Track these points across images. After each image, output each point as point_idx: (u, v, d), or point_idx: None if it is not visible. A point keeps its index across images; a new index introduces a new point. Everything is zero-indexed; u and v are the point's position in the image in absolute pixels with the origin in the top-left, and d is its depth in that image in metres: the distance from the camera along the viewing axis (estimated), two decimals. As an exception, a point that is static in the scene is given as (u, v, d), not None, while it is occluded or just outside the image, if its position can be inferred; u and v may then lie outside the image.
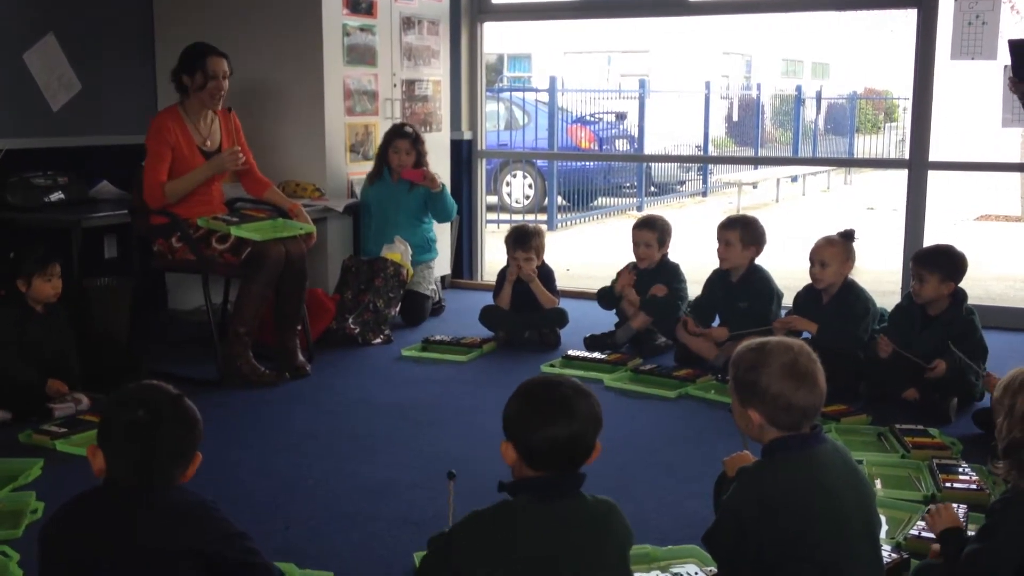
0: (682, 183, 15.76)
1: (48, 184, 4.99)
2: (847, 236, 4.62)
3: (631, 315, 5.22)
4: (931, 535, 2.71)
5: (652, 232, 5.24)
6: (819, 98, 20.38)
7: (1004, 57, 5.26)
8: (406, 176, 5.63)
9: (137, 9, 5.90)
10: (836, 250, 4.57)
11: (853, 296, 4.58)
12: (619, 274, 5.38)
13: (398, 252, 5.55)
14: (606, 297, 5.39)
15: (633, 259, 5.34)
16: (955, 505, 2.83)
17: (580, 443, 2.11)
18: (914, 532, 2.93)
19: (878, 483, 3.38)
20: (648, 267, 5.27)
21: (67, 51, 5.48)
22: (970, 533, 2.58)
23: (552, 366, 4.89)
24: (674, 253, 5.39)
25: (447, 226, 6.62)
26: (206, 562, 2.05)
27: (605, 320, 5.42)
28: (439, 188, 5.72)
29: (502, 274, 5.48)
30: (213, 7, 5.75)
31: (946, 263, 4.32)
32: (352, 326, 5.36)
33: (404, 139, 5.66)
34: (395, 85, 6.11)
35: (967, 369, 4.17)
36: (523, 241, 5.37)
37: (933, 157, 5.90)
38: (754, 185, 15.41)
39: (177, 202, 4.69)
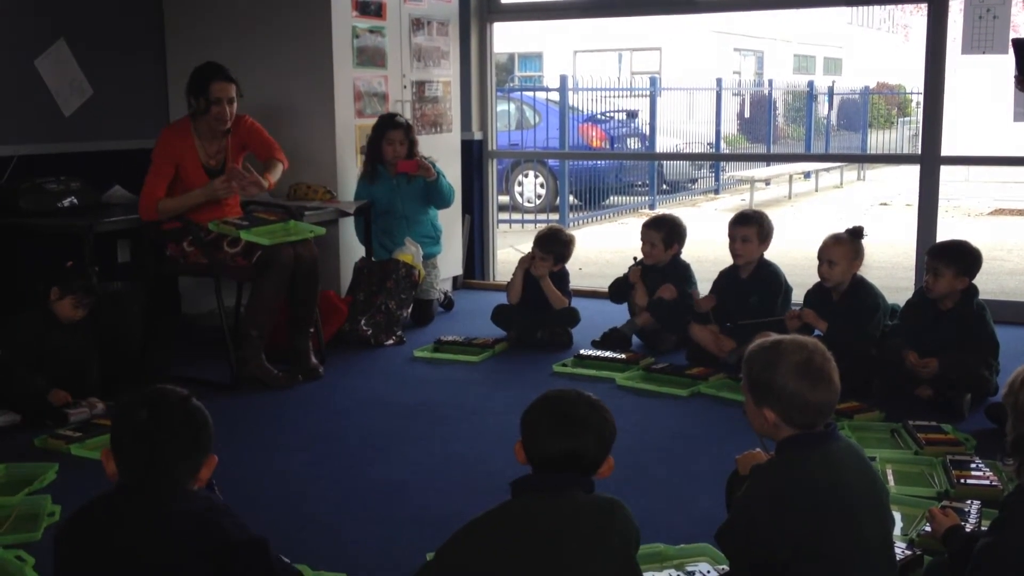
0: (694, 181, 15.74)
1: (60, 189, 5.00)
2: (855, 234, 4.58)
3: (638, 311, 5.24)
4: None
5: (658, 232, 5.27)
6: (831, 94, 20.31)
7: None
8: (401, 169, 5.61)
9: (147, 14, 5.92)
10: (844, 248, 4.54)
11: (863, 293, 4.56)
12: (630, 269, 5.40)
13: (409, 254, 5.55)
14: (617, 290, 5.39)
15: (640, 255, 5.38)
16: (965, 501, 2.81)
17: (590, 456, 2.17)
18: (927, 529, 2.92)
19: (891, 479, 3.37)
20: (657, 265, 5.28)
21: (78, 56, 5.50)
22: (983, 528, 2.57)
23: (564, 366, 4.89)
24: (687, 250, 5.39)
25: (458, 225, 6.63)
26: (216, 564, 2.05)
27: (618, 319, 5.41)
28: (435, 177, 5.70)
29: (520, 263, 5.48)
30: (222, 11, 5.77)
31: (961, 258, 4.29)
32: (364, 328, 5.38)
33: (397, 129, 5.60)
34: (405, 87, 6.12)
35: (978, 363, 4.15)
36: (545, 243, 5.39)
37: (946, 152, 5.87)
38: (766, 182, 15.38)
39: (168, 220, 4.72)
